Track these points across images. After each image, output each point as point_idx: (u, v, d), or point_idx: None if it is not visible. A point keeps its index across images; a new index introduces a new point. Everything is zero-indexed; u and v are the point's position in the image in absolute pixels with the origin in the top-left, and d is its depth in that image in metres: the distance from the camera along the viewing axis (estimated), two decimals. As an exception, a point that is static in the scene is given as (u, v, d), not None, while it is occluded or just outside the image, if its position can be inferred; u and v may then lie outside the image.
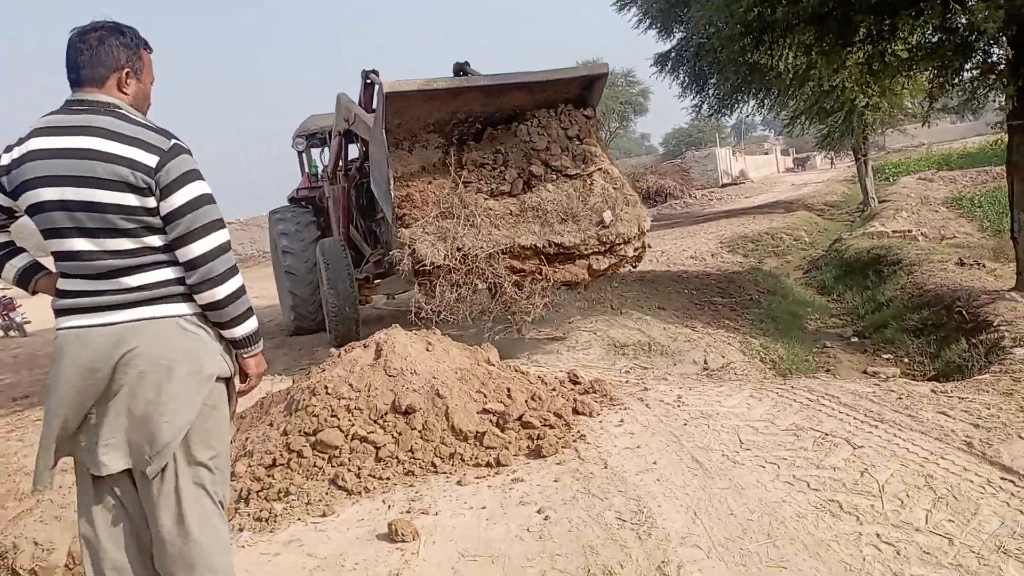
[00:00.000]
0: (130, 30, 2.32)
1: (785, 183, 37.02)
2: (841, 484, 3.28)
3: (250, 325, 2.35)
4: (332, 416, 4.31)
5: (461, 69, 7.23)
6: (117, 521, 2.28)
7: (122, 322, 2.19)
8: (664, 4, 16.46)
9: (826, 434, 3.84)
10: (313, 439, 4.20)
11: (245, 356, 2.41)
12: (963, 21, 6.38)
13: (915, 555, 2.68)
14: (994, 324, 6.58)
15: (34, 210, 2.18)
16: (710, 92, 18.84)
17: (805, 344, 8.28)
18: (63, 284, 2.24)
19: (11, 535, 3.64)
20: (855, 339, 8.62)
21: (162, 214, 2.18)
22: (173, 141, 2.21)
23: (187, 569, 2.23)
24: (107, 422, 2.21)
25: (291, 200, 10.97)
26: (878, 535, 2.84)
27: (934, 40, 7.13)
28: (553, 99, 6.68)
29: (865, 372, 7.17)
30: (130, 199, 2.14)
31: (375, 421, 4.32)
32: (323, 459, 4.11)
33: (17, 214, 2.29)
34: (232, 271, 2.27)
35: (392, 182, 6.07)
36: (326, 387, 4.50)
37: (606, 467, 3.79)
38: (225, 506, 2.38)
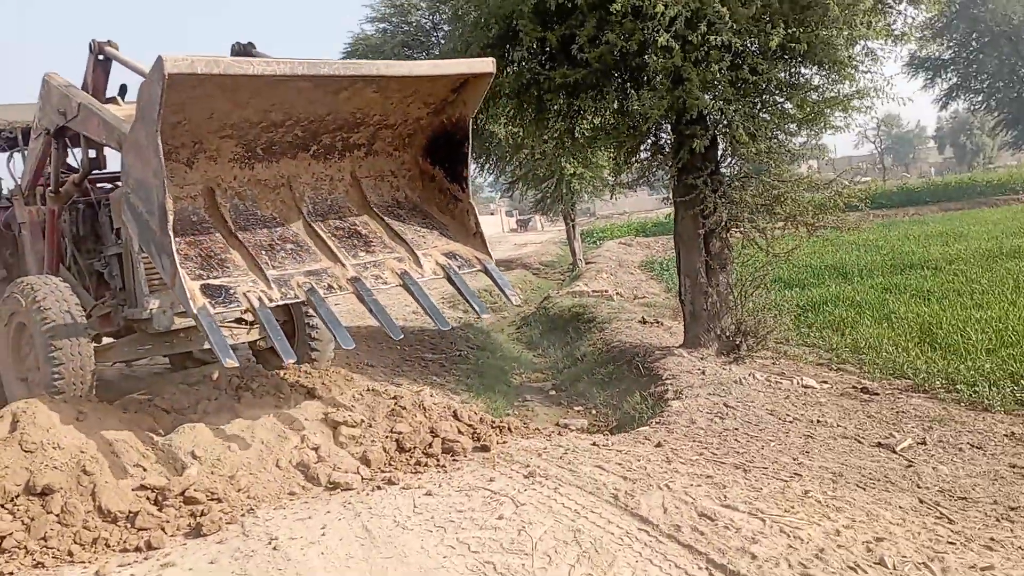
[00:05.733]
0: None
1: (508, 243, 39.13)
2: (499, 544, 3.36)
3: None
4: (-58, 503, 3.64)
5: (244, 51, 5.65)
6: None
7: None
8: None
9: (495, 493, 3.94)
10: (-88, 533, 3.51)
11: None
12: (636, 107, 7.17)
13: (552, 612, 2.78)
14: (663, 378, 7.33)
15: None
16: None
17: (508, 398, 8.62)
18: None
19: None
20: (553, 392, 9.16)
21: None
22: None
23: None
24: None
25: None
26: (523, 594, 2.92)
27: (612, 122, 7.97)
28: (411, 105, 5.07)
29: (558, 424, 7.62)
30: None
31: (2, 506, 3.72)
32: (-77, 557, 3.44)
33: None
34: None
35: (170, 218, 4.09)
36: (-62, 469, 3.80)
37: (270, 542, 3.56)
38: None
